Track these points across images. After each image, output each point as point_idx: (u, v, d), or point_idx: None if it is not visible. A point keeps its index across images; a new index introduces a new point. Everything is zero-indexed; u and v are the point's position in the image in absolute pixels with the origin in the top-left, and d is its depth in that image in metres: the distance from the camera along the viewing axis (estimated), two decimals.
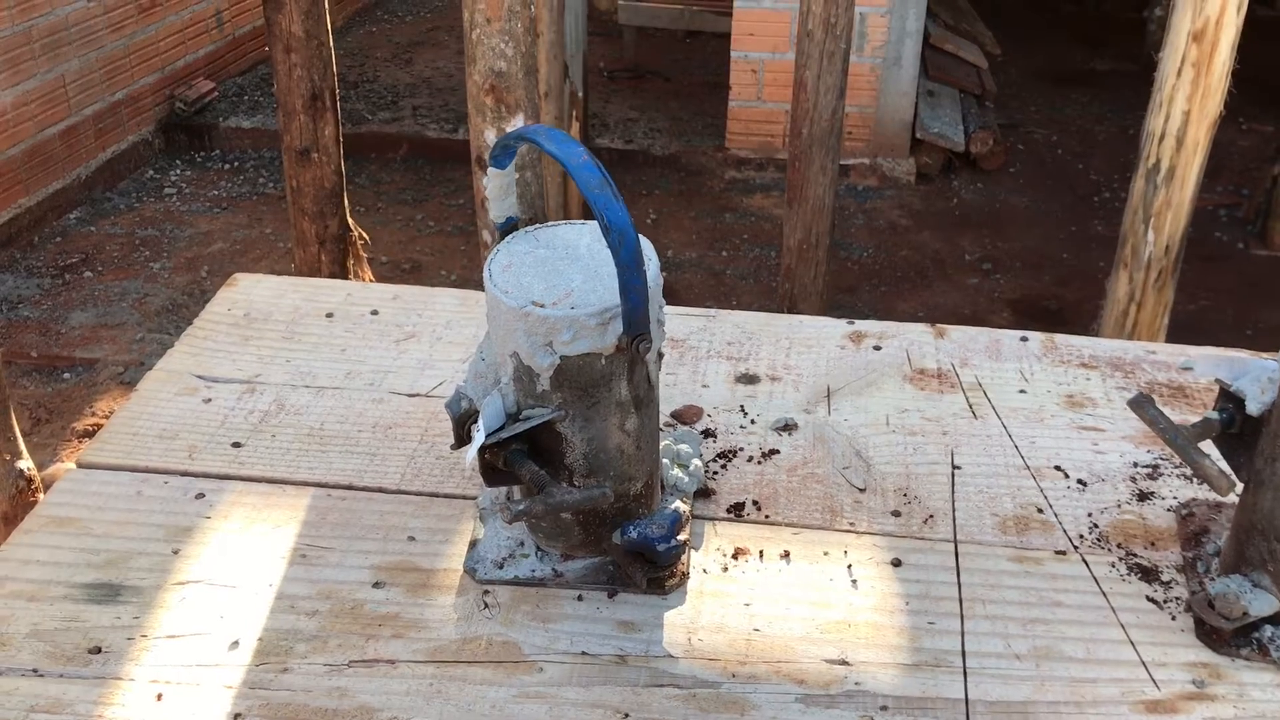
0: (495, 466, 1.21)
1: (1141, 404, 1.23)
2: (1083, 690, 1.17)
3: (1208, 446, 1.25)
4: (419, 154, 6.71)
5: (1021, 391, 1.60)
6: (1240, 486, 1.23)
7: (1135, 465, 1.47)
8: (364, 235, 4.32)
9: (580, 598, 1.28)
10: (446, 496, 1.42)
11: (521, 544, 1.33)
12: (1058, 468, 1.46)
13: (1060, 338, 1.71)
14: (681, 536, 1.29)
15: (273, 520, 1.38)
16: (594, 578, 1.29)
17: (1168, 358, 1.67)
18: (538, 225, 1.27)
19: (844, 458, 1.48)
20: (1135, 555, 1.33)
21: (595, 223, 1.27)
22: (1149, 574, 1.30)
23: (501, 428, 1.19)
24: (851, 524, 1.38)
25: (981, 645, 1.22)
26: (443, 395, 1.59)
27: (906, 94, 6.19)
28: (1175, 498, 1.41)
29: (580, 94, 5.31)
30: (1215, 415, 1.23)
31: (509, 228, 1.26)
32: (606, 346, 1.15)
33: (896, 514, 1.39)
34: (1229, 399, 1.23)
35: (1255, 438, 1.21)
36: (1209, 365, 1.24)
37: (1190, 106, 2.29)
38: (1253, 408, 1.19)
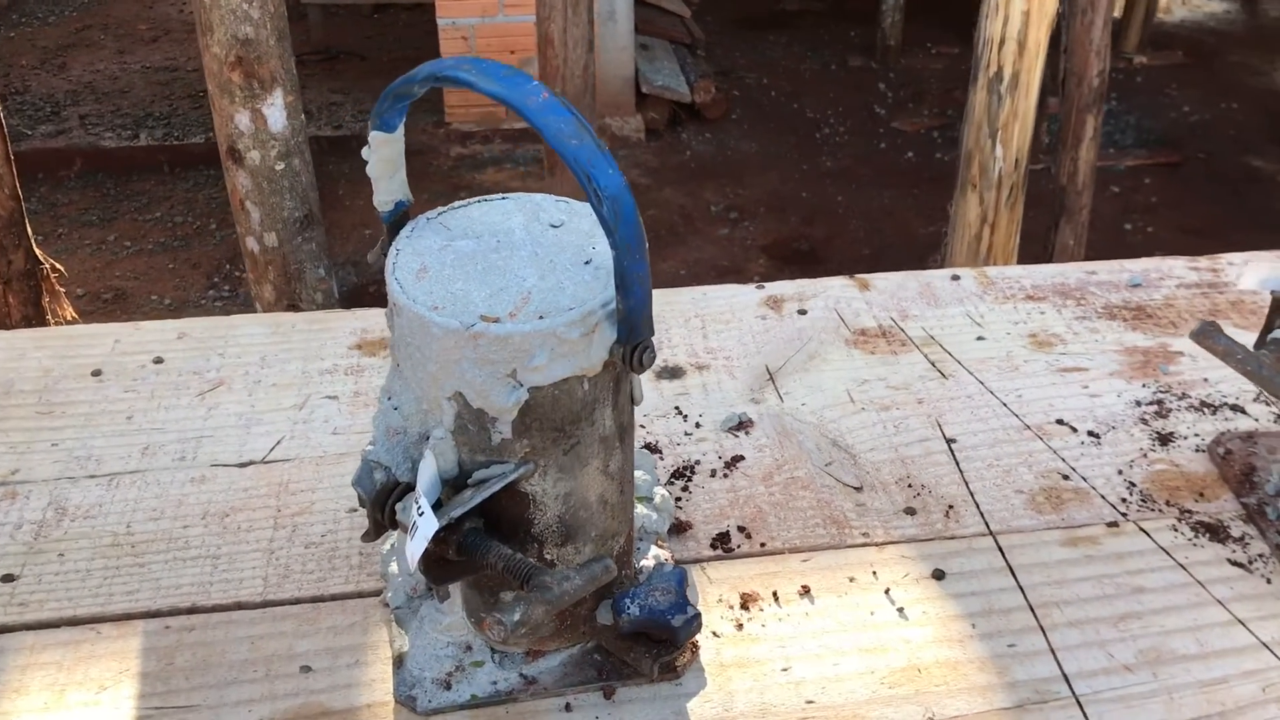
0: (443, 558, 0.85)
1: (1209, 334, 1.02)
2: (1219, 696, 0.94)
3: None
4: (97, 168, 5.91)
5: (980, 339, 1.37)
6: None
7: (1138, 404, 1.27)
8: (57, 267, 3.66)
9: (569, 707, 0.94)
10: (336, 598, 1.04)
11: (468, 648, 0.97)
12: (1060, 421, 1.24)
13: (992, 271, 1.50)
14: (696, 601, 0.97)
15: (94, 680, 0.95)
16: (579, 675, 0.96)
17: (1111, 276, 1.49)
18: (440, 210, 0.91)
19: (821, 451, 1.20)
20: (1191, 512, 1.13)
21: (519, 196, 0.92)
22: (1217, 532, 1.10)
23: (438, 503, 0.83)
24: (865, 535, 1.10)
25: (1082, 663, 0.97)
26: (285, 459, 1.19)
27: (625, 49, 5.99)
28: (1197, 434, 1.23)
29: None
30: None
31: (400, 217, 0.89)
32: (592, 365, 0.81)
33: (911, 511, 1.13)
34: None
35: None
36: (1259, 276, 1.05)
37: (1029, 6, 2.16)
38: None
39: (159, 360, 1.33)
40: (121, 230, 5.38)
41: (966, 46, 7.01)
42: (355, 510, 1.12)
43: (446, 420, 0.83)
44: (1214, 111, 6.60)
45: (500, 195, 0.91)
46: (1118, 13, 7.59)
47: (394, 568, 1.02)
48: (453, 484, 0.85)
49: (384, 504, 0.85)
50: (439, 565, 0.85)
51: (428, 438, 0.85)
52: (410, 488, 0.86)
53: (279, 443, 1.21)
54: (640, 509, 1.07)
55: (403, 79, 0.79)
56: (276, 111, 1.83)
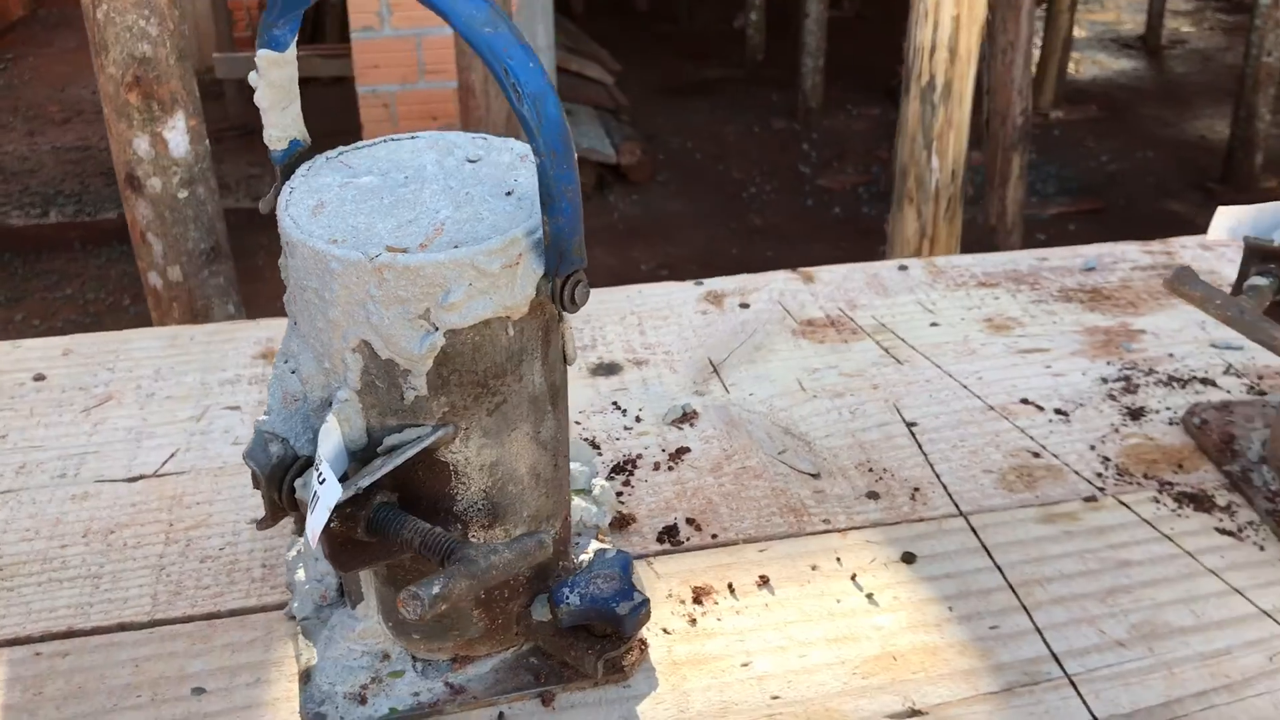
0: (350, 539, 0.74)
1: (1185, 280, 0.94)
2: (1224, 668, 0.85)
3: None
4: (4, 248, 5.71)
5: (934, 324, 1.30)
6: None
7: (1104, 381, 1.20)
8: None
9: (502, 717, 0.82)
10: (234, 614, 0.91)
11: (386, 657, 0.85)
12: (1025, 400, 1.16)
13: (940, 260, 1.43)
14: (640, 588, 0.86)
15: None
16: (513, 681, 0.84)
17: (1063, 262, 1.43)
18: (341, 149, 0.81)
19: (774, 440, 1.11)
20: (1171, 483, 1.05)
21: (432, 134, 0.82)
22: (1201, 502, 1.02)
23: (344, 477, 0.72)
24: (826, 521, 1.00)
25: (1071, 641, 0.88)
26: (179, 472, 1.07)
27: None
28: (1168, 408, 1.15)
29: None
30: (1263, 280, 0.97)
31: (294, 159, 0.79)
32: (516, 304, 0.71)
33: (874, 495, 1.03)
34: (1268, 257, 0.97)
35: None
36: (1228, 224, 0.99)
37: (959, 10, 2.13)
38: None
39: (40, 378, 1.21)
40: (30, 309, 5.18)
41: (887, 107, 7.08)
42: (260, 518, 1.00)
43: (351, 378, 0.72)
44: (1131, 160, 6.74)
45: (410, 135, 0.82)
46: (1032, 69, 7.80)
47: (300, 575, 0.90)
48: (360, 457, 0.74)
49: (280, 480, 0.74)
50: (346, 548, 0.74)
51: (330, 403, 0.74)
52: (311, 462, 0.74)
53: (173, 455, 1.09)
54: (578, 501, 0.96)
55: None
56: (178, 135, 1.72)
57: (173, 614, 0.91)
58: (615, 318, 1.31)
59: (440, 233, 0.70)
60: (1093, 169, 6.59)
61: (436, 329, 0.70)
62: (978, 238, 4.05)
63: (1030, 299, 1.34)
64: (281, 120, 0.76)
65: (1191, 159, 6.68)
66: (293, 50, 0.74)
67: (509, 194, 0.74)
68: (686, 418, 1.14)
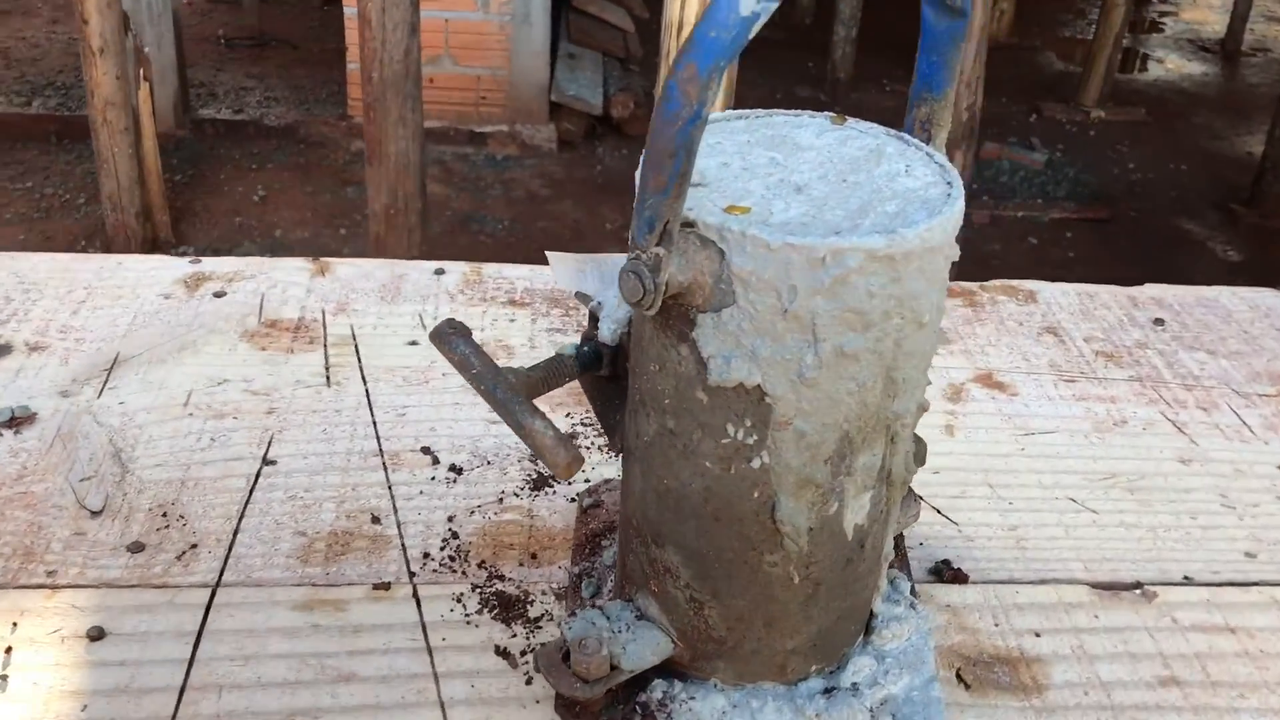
0: None
1: (445, 338, 0.74)
2: None
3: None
4: None
5: (412, 343, 1.10)
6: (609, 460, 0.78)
7: None
8: None
9: None
10: None
11: None
12: (427, 450, 0.97)
13: (491, 268, 1.23)
14: None
15: None
16: None
17: None
18: None
19: (92, 463, 0.93)
20: (502, 577, 0.85)
21: None
22: (511, 607, 0.83)
23: None
24: (51, 574, 0.83)
25: None
26: None
27: (540, 54, 5.76)
28: (589, 480, 0.95)
29: (146, 49, 4.55)
30: (571, 349, 0.77)
31: None
32: None
33: (139, 548, 0.86)
34: (595, 320, 0.77)
35: None
36: (568, 274, 0.78)
37: None
38: (605, 331, 0.73)
39: None
40: None
41: None
42: None
43: None
44: (1160, 171, 6.30)
45: None
46: (1079, 66, 7.34)
47: None
48: None
49: None
50: None
51: None
52: None
53: None
54: None
55: None
56: None
57: None
58: (61, 291, 1.14)
59: None
60: (1115, 176, 6.17)
61: None
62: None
63: (548, 326, 1.14)
64: None
65: (1225, 176, 6.22)
66: None
67: None
68: (15, 422, 0.97)
